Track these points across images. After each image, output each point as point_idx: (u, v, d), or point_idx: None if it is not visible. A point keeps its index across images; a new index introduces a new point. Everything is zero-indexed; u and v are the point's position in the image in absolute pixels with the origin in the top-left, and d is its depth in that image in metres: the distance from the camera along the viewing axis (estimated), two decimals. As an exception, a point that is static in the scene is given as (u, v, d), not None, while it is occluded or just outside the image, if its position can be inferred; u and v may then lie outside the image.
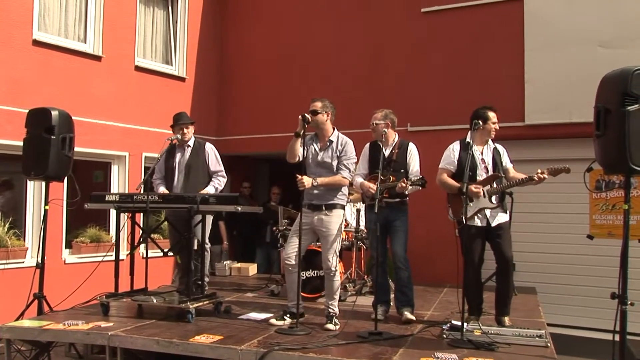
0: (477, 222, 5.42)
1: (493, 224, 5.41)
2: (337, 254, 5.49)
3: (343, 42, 9.83)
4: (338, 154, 5.46)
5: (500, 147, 5.65)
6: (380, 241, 5.72)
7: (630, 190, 4.39)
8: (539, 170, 5.20)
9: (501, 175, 5.46)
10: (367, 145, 6.09)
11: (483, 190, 5.36)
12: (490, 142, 5.61)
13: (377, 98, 8.90)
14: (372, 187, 5.61)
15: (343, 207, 5.53)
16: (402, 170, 5.79)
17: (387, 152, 5.85)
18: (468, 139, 5.53)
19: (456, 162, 5.56)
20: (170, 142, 6.35)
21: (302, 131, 5.25)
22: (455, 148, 5.64)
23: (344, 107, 9.01)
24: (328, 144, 5.49)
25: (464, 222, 5.08)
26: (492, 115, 5.52)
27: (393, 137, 5.97)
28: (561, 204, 8.18)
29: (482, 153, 5.54)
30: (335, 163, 5.45)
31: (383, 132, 5.75)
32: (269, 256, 10.27)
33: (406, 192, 5.68)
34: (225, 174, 6.57)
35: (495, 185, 5.41)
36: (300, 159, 5.36)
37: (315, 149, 5.48)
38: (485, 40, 8.74)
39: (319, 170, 5.41)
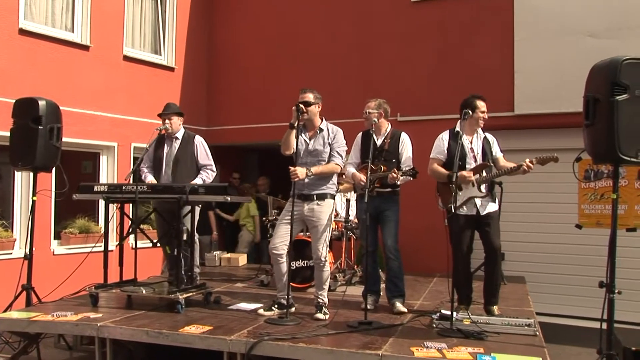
0: (467, 211, 5.43)
1: (482, 213, 5.43)
2: (327, 243, 5.50)
3: (333, 31, 9.80)
4: (330, 141, 5.48)
5: (490, 137, 5.65)
6: (370, 231, 5.72)
7: (618, 179, 4.42)
8: (527, 160, 5.21)
9: (490, 164, 5.47)
10: (360, 134, 6.07)
11: (472, 179, 5.38)
12: (480, 131, 5.61)
13: (367, 88, 8.88)
14: (363, 178, 5.61)
15: (333, 196, 5.56)
16: (393, 160, 5.77)
17: (379, 142, 5.84)
18: (457, 128, 5.53)
19: (446, 152, 5.56)
20: (158, 132, 6.30)
21: (297, 122, 5.23)
22: (444, 137, 5.65)
23: (334, 97, 9.00)
24: (318, 132, 5.48)
25: (453, 211, 5.09)
26: (480, 104, 5.51)
27: (386, 126, 5.95)
28: (550, 193, 8.21)
29: (471, 142, 5.55)
30: (327, 151, 5.47)
31: (373, 121, 5.72)
32: (257, 246, 10.27)
33: (398, 183, 5.68)
34: (214, 168, 6.52)
35: (484, 174, 5.43)
36: (295, 150, 5.35)
37: (304, 139, 5.46)
38: (475, 30, 8.73)
39: (309, 159, 5.39)
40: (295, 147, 5.31)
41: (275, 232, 5.50)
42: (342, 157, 5.53)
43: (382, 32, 9.41)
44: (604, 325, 4.29)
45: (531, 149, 7.70)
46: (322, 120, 5.56)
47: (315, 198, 5.40)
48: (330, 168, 5.45)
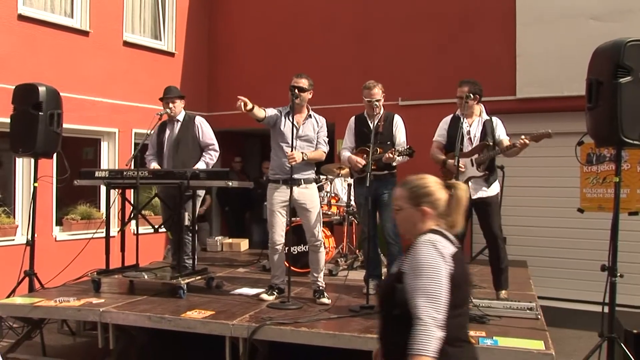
0: None
1: (473, 197, 5.41)
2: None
3: (333, 17, 9.72)
4: (318, 129, 5.61)
5: (495, 119, 5.61)
6: (370, 215, 5.73)
7: (621, 163, 4.40)
8: (523, 137, 5.20)
9: (489, 143, 5.43)
10: (352, 119, 6.06)
11: (472, 159, 5.39)
12: (483, 114, 5.60)
13: (368, 73, 8.81)
14: (360, 160, 5.63)
15: (316, 181, 5.78)
16: (388, 143, 5.78)
17: (372, 125, 5.82)
18: (457, 113, 5.55)
19: (446, 135, 5.63)
20: (159, 117, 6.27)
21: (252, 107, 5.26)
22: (446, 120, 5.73)
23: (334, 82, 8.98)
24: (308, 118, 5.54)
25: None
26: (459, 89, 5.53)
27: (380, 109, 5.94)
28: (552, 177, 8.19)
29: (470, 125, 5.54)
30: (315, 137, 5.59)
31: (375, 105, 5.72)
32: (266, 233, 10.26)
33: (394, 164, 5.70)
34: (217, 148, 6.47)
35: (483, 153, 5.43)
36: (261, 117, 5.38)
37: (293, 123, 5.46)
38: (477, 14, 8.66)
39: (298, 143, 5.42)
40: (265, 113, 5.42)
41: (272, 224, 5.52)
42: (326, 145, 5.69)
43: (382, 15, 9.34)
44: (606, 309, 4.30)
45: (533, 133, 7.69)
46: (308, 107, 5.62)
47: (303, 182, 5.49)
48: (320, 155, 5.61)
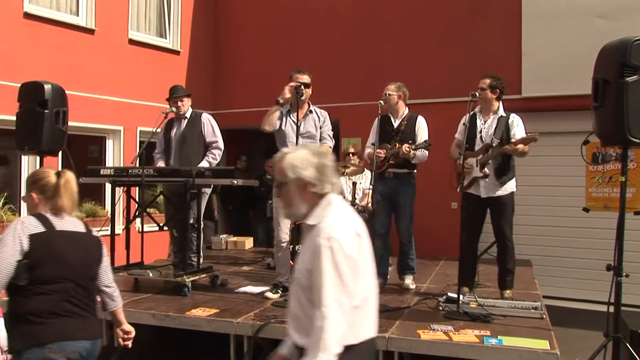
0: (474, 191, 5.45)
1: (483, 196, 5.41)
2: None
3: (339, 14, 9.72)
4: (321, 124, 5.58)
5: (513, 117, 5.50)
6: (383, 213, 5.75)
7: (627, 162, 4.38)
8: (512, 141, 5.23)
9: (493, 144, 5.39)
10: (377, 118, 6.09)
11: (477, 159, 5.37)
12: (500, 111, 5.53)
13: (372, 71, 8.84)
14: (380, 151, 5.71)
15: None
16: (410, 142, 5.80)
17: (395, 124, 5.97)
18: (476, 110, 5.57)
19: (463, 133, 5.58)
20: (165, 115, 6.28)
21: (283, 100, 5.26)
22: (465, 118, 5.66)
23: (339, 80, 8.98)
24: (309, 114, 5.53)
25: (458, 190, 5.16)
26: (481, 81, 5.53)
27: (403, 109, 6.05)
28: (557, 176, 8.17)
29: (484, 123, 5.51)
30: (318, 133, 5.58)
31: (384, 97, 5.82)
32: (270, 231, 10.26)
33: (413, 161, 5.76)
34: (221, 145, 6.48)
35: (487, 154, 5.41)
36: (277, 128, 5.38)
37: (291, 120, 5.46)
38: (483, 12, 8.64)
39: (300, 141, 5.42)
40: (279, 126, 5.39)
41: (278, 222, 5.52)
42: (332, 139, 5.66)
43: (387, 14, 9.32)
44: (611, 308, 4.28)
45: (539, 132, 7.64)
46: (309, 103, 5.59)
47: None
48: (325, 149, 5.54)
